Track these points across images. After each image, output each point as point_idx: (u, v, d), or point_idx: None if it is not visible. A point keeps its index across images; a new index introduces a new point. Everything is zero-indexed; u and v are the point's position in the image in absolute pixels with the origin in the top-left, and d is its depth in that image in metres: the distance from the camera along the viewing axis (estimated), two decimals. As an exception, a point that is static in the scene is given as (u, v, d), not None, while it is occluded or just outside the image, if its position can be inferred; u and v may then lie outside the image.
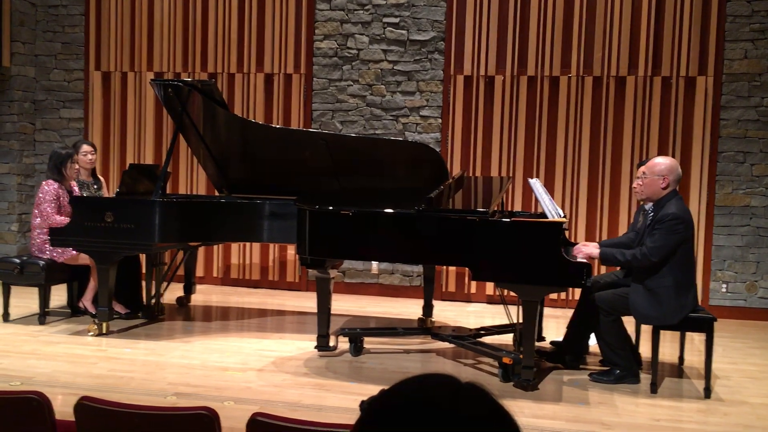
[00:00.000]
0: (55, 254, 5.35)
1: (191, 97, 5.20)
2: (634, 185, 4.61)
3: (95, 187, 5.76)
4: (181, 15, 7.27)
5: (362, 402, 0.98)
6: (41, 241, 5.36)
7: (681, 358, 4.78)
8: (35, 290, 5.36)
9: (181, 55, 7.30)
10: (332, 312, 4.80)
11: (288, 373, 4.34)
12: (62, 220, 5.27)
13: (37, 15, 7.61)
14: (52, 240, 5.10)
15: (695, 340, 5.35)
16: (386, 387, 0.94)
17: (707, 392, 4.14)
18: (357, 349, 4.76)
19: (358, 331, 4.89)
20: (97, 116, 7.50)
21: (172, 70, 7.31)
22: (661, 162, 4.27)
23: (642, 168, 4.39)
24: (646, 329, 4.52)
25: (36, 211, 5.39)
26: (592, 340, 4.60)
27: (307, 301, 6.24)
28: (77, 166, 5.55)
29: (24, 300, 5.69)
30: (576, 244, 4.54)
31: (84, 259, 5.29)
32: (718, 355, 4.82)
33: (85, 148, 5.71)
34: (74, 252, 5.29)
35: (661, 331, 4.23)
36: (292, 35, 7.07)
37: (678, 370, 4.71)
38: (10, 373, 4.14)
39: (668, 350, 4.99)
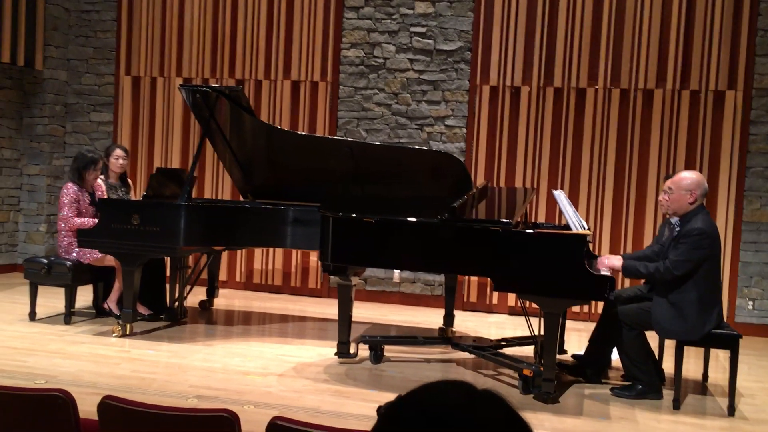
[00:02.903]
0: (81, 255, 5.42)
1: (219, 103, 5.26)
2: (660, 198, 4.57)
3: (123, 190, 5.83)
4: (210, 22, 7.37)
5: (379, 407, 0.98)
6: (68, 242, 5.44)
7: (705, 375, 4.72)
8: (62, 290, 5.44)
9: (209, 61, 7.39)
10: (353, 319, 4.81)
11: (308, 378, 4.36)
12: (82, 222, 5.34)
13: (70, 20, 7.75)
14: (80, 241, 5.18)
15: (720, 357, 5.28)
16: (403, 393, 0.95)
17: (731, 410, 4.08)
18: (377, 357, 4.76)
19: (378, 339, 4.89)
20: (126, 120, 7.61)
21: (201, 76, 7.40)
22: (688, 177, 4.23)
23: (668, 182, 4.35)
24: (670, 344, 4.47)
25: (60, 214, 5.48)
26: (615, 354, 4.56)
27: (329, 308, 6.26)
28: (99, 173, 5.57)
29: (50, 300, 5.78)
30: (599, 256, 4.51)
31: (110, 260, 5.36)
32: (743, 372, 4.76)
33: (118, 152, 5.77)
34: (100, 254, 5.36)
35: (685, 348, 4.18)
36: (319, 43, 7.13)
37: (702, 387, 4.65)
38: (35, 372, 4.21)
39: (692, 366, 4.93)
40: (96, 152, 5.71)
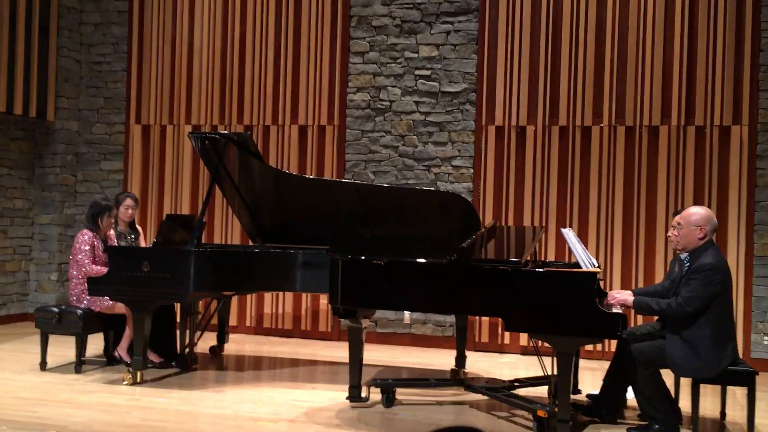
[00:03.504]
0: (92, 303, 5.43)
1: (227, 149, 5.32)
2: (670, 234, 4.56)
3: (132, 237, 5.86)
4: (218, 70, 7.49)
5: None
6: (79, 290, 5.45)
7: (722, 413, 4.64)
8: (72, 339, 5.43)
9: (218, 108, 7.49)
10: (364, 362, 4.77)
11: (320, 424, 4.31)
12: (98, 269, 5.36)
13: (82, 71, 7.91)
14: (90, 289, 5.19)
15: (737, 394, 5.19)
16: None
17: (751, 449, 4.00)
18: (389, 400, 4.71)
19: (390, 382, 4.85)
20: (137, 168, 7.70)
21: (209, 123, 7.50)
22: (697, 212, 4.23)
23: (677, 218, 4.34)
24: (686, 382, 4.41)
25: (72, 262, 5.51)
26: (630, 393, 4.49)
27: (340, 351, 6.22)
28: (112, 220, 5.65)
29: (61, 348, 5.77)
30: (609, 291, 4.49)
31: (120, 308, 5.37)
32: (761, 410, 4.67)
33: (128, 202, 5.81)
34: (111, 301, 5.37)
35: (702, 385, 4.12)
36: (326, 88, 7.23)
37: (719, 425, 4.57)
38: (45, 422, 4.18)
39: (709, 404, 4.85)
40: (110, 200, 5.77)
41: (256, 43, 7.41)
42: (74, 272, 5.49)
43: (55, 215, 7.70)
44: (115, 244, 5.66)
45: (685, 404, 4.47)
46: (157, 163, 7.65)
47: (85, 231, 5.51)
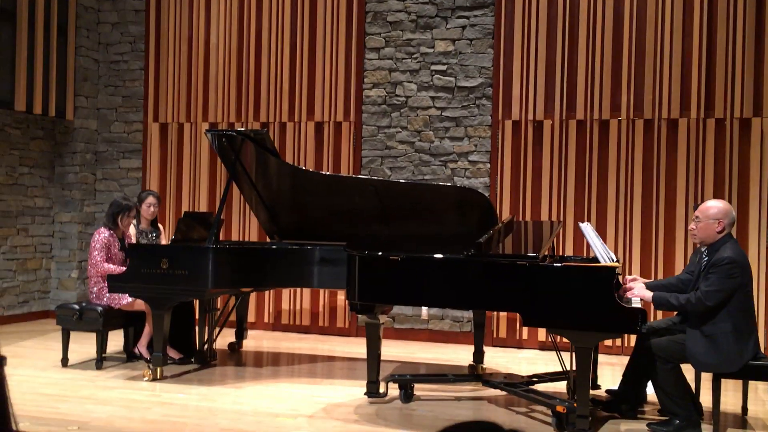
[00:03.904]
0: (112, 301, 5.48)
1: (244, 146, 5.34)
2: (690, 227, 4.52)
3: (153, 235, 5.89)
4: (235, 67, 7.52)
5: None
6: (99, 288, 5.51)
7: (744, 408, 4.59)
8: (93, 336, 5.49)
9: (234, 105, 7.52)
10: (382, 358, 4.78)
11: (338, 419, 4.32)
12: (112, 268, 5.40)
13: (100, 70, 7.97)
14: (110, 286, 5.24)
15: (759, 388, 5.14)
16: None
17: (773, 444, 3.95)
18: (407, 395, 4.72)
19: (408, 378, 4.85)
20: (155, 166, 7.75)
21: (226, 120, 7.53)
22: (714, 206, 4.19)
23: (696, 212, 4.31)
24: (707, 377, 4.36)
25: (90, 260, 5.56)
26: (650, 389, 4.46)
27: (357, 347, 6.23)
28: (132, 220, 5.69)
29: (82, 345, 5.83)
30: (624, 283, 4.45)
31: (140, 305, 5.41)
32: (785, 405, 4.62)
33: (150, 200, 5.84)
34: (131, 298, 5.42)
35: (723, 380, 4.08)
36: (341, 84, 7.23)
37: (741, 420, 4.52)
38: (68, 418, 4.23)
39: (731, 399, 4.80)
40: (131, 200, 5.81)
41: (272, 40, 7.42)
42: (93, 270, 5.54)
43: (75, 213, 7.78)
44: (134, 241, 5.71)
45: (706, 399, 4.43)
46: (175, 161, 7.70)
47: (102, 230, 5.56)
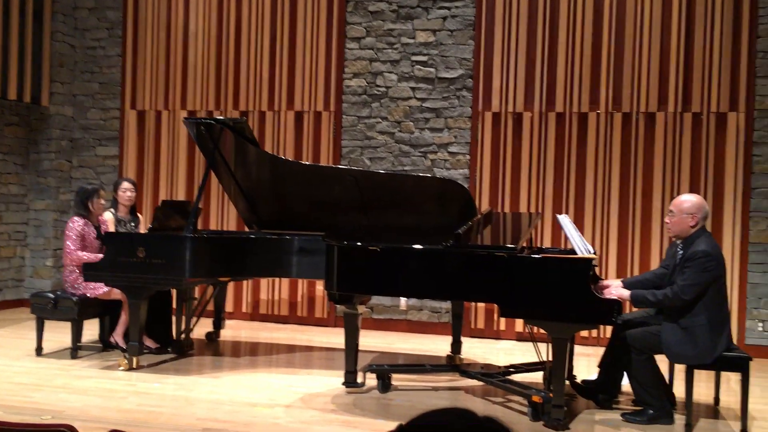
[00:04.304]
0: (88, 289, 5.43)
1: (223, 135, 5.30)
2: (666, 221, 4.56)
3: (132, 224, 5.83)
4: (214, 55, 7.46)
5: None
6: (74, 277, 5.45)
7: (716, 399, 4.67)
8: (68, 325, 5.43)
9: (213, 93, 7.46)
10: (360, 348, 4.79)
11: (316, 409, 4.33)
12: (86, 257, 5.34)
13: (76, 56, 7.86)
14: (86, 275, 5.18)
15: (731, 380, 5.22)
16: (404, 422, 0.94)
17: (744, 434, 4.02)
18: (385, 385, 4.73)
19: (385, 368, 4.86)
20: (132, 154, 7.67)
21: (205, 109, 7.47)
22: (688, 200, 4.24)
23: (670, 206, 4.36)
24: (680, 368, 4.43)
25: (64, 246, 5.50)
26: (625, 379, 4.51)
27: (336, 337, 6.24)
28: (102, 202, 5.62)
29: (57, 334, 5.77)
30: (602, 279, 4.49)
31: (116, 294, 5.36)
32: (755, 395, 4.70)
33: (125, 185, 5.79)
34: (106, 287, 5.37)
35: (696, 371, 4.14)
36: (322, 74, 7.20)
37: (713, 410, 4.59)
38: (41, 407, 4.19)
39: (703, 390, 4.88)
40: (95, 184, 5.72)
41: (251, 28, 7.36)
42: (67, 259, 5.47)
43: (51, 201, 7.68)
44: (108, 230, 5.64)
45: (679, 389, 4.49)
46: (153, 149, 7.63)
47: (76, 218, 5.49)
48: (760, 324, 6.28)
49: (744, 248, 6.31)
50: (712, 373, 4.64)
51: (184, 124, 5.56)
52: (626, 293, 4.24)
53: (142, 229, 5.95)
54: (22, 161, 7.68)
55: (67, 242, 5.41)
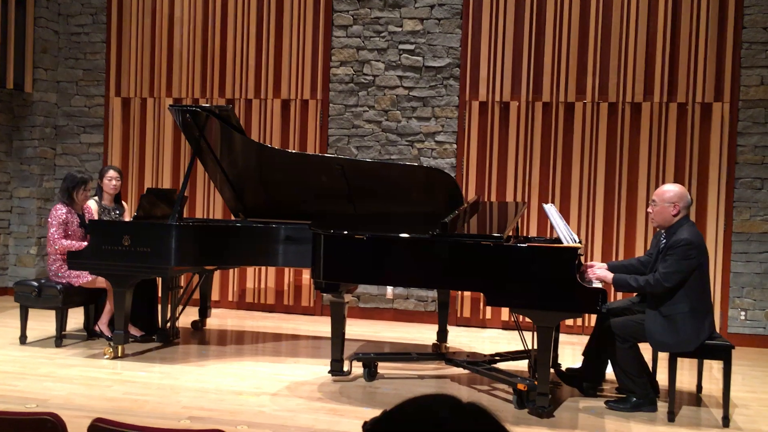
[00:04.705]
0: (72, 278, 5.39)
1: (209, 123, 5.27)
2: (648, 210, 4.60)
3: (117, 213, 5.78)
4: (200, 42, 7.40)
5: (365, 423, 0.98)
6: (58, 265, 5.41)
7: (699, 386, 4.72)
8: (52, 313, 5.40)
9: (199, 81, 7.41)
10: (346, 337, 4.79)
11: (302, 397, 4.33)
12: (69, 244, 5.30)
13: (60, 42, 7.77)
14: (70, 263, 5.15)
15: (713, 368, 5.28)
16: (388, 408, 0.95)
17: (725, 421, 4.07)
18: (371, 374, 4.74)
19: (372, 356, 4.87)
20: (117, 141, 7.61)
21: (191, 96, 7.42)
22: (670, 189, 4.28)
23: (653, 195, 4.39)
24: (664, 356, 4.47)
25: (48, 234, 5.45)
26: (609, 367, 4.55)
27: (322, 326, 6.24)
28: (88, 194, 5.57)
29: (41, 323, 5.73)
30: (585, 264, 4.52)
31: (101, 282, 5.33)
32: (737, 383, 4.76)
33: (111, 173, 5.73)
34: (91, 276, 5.33)
35: (679, 359, 4.19)
36: (309, 62, 7.16)
37: (696, 398, 4.65)
38: (26, 396, 4.17)
39: (686, 378, 4.93)
40: (86, 173, 5.68)
41: (238, 15, 7.31)
42: (51, 248, 5.43)
43: (34, 189, 7.61)
44: (96, 218, 5.60)
45: (662, 377, 4.54)
46: (138, 137, 7.57)
47: (59, 206, 5.44)
48: (743, 313, 6.35)
49: (727, 238, 6.37)
50: (695, 362, 4.70)
51: (170, 111, 5.51)
52: (609, 275, 4.27)
53: (127, 218, 5.91)
54: (5, 148, 7.59)
55: (51, 230, 5.36)
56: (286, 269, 7.13)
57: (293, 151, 6.76)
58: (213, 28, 7.37)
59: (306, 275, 7.01)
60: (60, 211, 5.40)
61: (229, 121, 5.30)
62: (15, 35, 7.25)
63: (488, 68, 6.80)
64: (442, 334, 5.59)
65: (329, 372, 4.70)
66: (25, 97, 7.56)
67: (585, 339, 4.90)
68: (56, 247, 5.33)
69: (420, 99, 6.96)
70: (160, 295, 5.74)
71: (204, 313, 6.28)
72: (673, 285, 4.06)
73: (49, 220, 5.40)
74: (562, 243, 4.30)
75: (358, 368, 4.76)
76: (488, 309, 6.73)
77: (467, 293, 6.75)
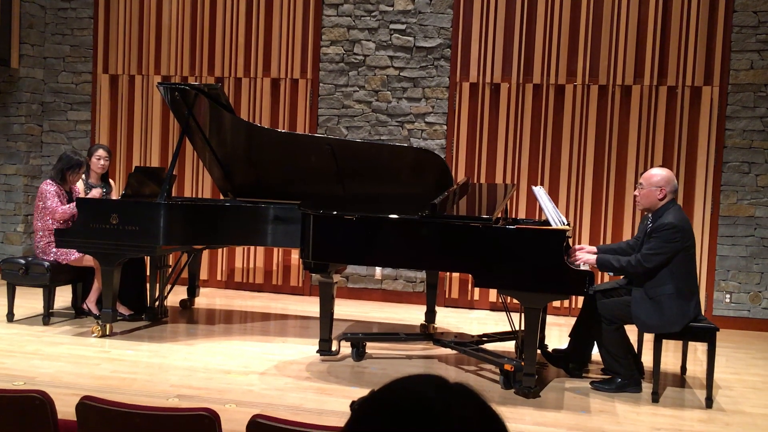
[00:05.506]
0: (59, 256, 5.37)
1: (198, 101, 5.23)
2: (635, 193, 4.62)
3: (104, 191, 5.76)
4: (189, 19, 7.32)
5: (353, 403, 0.99)
6: (45, 243, 5.38)
7: (683, 368, 4.78)
8: (40, 291, 5.38)
9: (188, 58, 7.34)
10: (335, 317, 4.81)
11: (290, 376, 4.35)
12: (70, 208, 5.27)
13: (46, 17, 7.66)
14: (57, 241, 5.13)
15: (698, 350, 5.34)
16: (375, 388, 0.95)
17: (709, 402, 4.13)
18: (359, 354, 4.77)
19: (360, 336, 4.90)
20: (104, 119, 7.55)
21: (180, 74, 7.35)
22: (657, 173, 4.30)
23: (640, 179, 4.42)
24: (649, 338, 4.52)
25: (37, 214, 5.42)
26: (595, 349, 4.60)
27: (310, 306, 6.26)
28: (79, 178, 5.55)
29: (28, 301, 5.72)
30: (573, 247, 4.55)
31: (88, 260, 5.31)
32: (721, 365, 4.82)
33: (100, 152, 5.69)
34: (78, 254, 5.31)
35: (664, 341, 4.23)
36: (299, 40, 7.11)
37: (680, 379, 4.70)
38: (13, 373, 4.16)
39: (671, 360, 4.99)
40: (82, 156, 5.64)
41: (227, -8, 7.22)
42: (39, 224, 5.40)
43: (21, 166, 7.54)
44: (81, 195, 5.57)
45: (647, 359, 4.59)
46: (126, 114, 7.51)
47: (49, 181, 5.41)
48: (728, 295, 6.41)
49: (714, 221, 6.42)
50: (679, 343, 4.75)
51: (158, 89, 5.47)
52: (593, 258, 4.31)
53: (114, 196, 5.88)
54: (-9, 125, 7.51)
55: (48, 202, 5.33)
56: (275, 249, 7.12)
57: (283, 131, 6.73)
58: (202, 4, 7.29)
59: (295, 255, 7.01)
60: (51, 185, 5.37)
61: (219, 99, 5.27)
62: (0, 11, 7.14)
63: (479, 49, 6.77)
64: (431, 315, 5.62)
65: (317, 351, 4.72)
66: (12, 73, 7.46)
67: (572, 320, 4.94)
68: (57, 215, 5.29)
69: (410, 79, 6.93)
70: (148, 274, 5.73)
71: (192, 292, 6.27)
72: (653, 266, 4.11)
73: (43, 194, 5.37)
74: (550, 225, 4.32)
75: (346, 348, 4.78)
76: (476, 290, 6.76)
77: (455, 274, 6.78)
